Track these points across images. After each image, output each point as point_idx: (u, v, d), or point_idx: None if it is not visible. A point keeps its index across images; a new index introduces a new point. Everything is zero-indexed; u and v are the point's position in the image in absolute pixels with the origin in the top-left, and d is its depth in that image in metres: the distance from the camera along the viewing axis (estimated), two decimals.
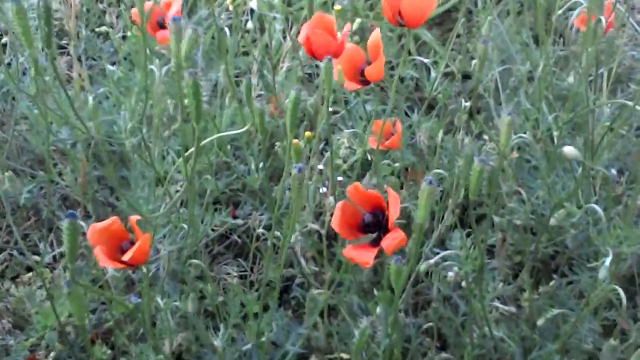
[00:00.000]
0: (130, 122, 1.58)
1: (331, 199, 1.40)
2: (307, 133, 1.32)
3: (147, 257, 1.23)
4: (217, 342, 1.35)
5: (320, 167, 1.40)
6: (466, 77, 2.35)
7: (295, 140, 1.17)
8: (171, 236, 1.57)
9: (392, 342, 1.22)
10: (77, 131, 1.64)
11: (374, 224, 1.16)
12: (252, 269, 1.90)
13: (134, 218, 1.23)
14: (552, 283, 1.58)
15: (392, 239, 1.10)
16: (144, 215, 1.38)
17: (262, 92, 1.97)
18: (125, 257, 1.20)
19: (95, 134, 1.47)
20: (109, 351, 1.57)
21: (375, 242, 1.14)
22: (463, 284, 1.59)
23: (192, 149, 1.24)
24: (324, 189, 1.42)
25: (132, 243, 1.25)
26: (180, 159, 1.27)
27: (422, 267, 1.40)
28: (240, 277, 1.92)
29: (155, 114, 1.65)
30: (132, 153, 1.58)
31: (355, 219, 1.17)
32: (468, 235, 1.46)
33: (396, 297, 1.13)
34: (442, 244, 1.59)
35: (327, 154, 1.65)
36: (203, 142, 1.29)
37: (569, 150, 1.31)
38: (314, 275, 1.77)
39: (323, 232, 1.47)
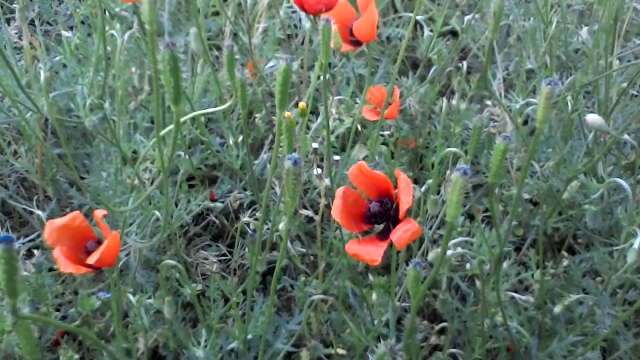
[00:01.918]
0: (89, 96, 1.38)
1: (327, 181, 1.23)
2: (302, 104, 1.13)
3: (115, 259, 1.05)
4: (200, 353, 1.19)
5: (315, 145, 1.22)
6: (453, 34, 2.18)
7: (287, 114, 0.99)
8: (142, 225, 1.40)
9: (407, 347, 1.06)
10: (30, 109, 1.44)
11: (382, 214, 0.98)
12: (231, 253, 1.74)
13: (100, 213, 1.05)
14: (565, 263, 1.44)
15: (404, 232, 0.92)
16: (112, 209, 1.20)
17: (237, 57, 1.78)
18: (91, 260, 1.02)
19: (49, 114, 1.27)
20: (76, 356, 1.39)
21: (384, 235, 0.97)
22: (468, 266, 1.45)
23: (167, 130, 1.06)
24: (319, 170, 1.24)
25: (99, 242, 1.08)
26: (153, 142, 1.09)
27: (431, 256, 1.24)
28: (220, 261, 1.76)
29: (118, 86, 1.46)
30: (95, 133, 1.38)
31: (359, 207, 0.98)
32: (471, 216, 1.31)
33: (414, 307, 0.95)
34: (443, 224, 1.44)
35: (314, 126, 1.48)
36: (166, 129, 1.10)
37: (593, 119, 1.14)
38: (301, 258, 1.62)
39: (317, 218, 1.30)
